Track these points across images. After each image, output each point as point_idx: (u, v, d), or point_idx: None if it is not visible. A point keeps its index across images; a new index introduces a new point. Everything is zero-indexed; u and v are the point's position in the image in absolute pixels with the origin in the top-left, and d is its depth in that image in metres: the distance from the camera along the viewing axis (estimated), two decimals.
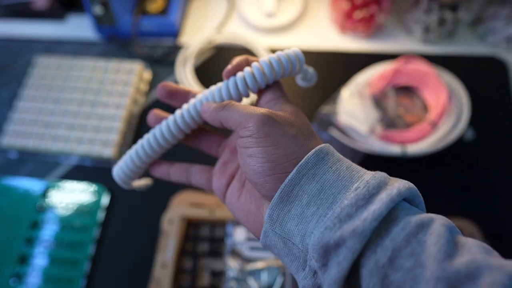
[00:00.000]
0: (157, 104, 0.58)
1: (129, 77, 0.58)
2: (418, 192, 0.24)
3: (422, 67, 0.54)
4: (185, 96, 0.30)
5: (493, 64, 0.57)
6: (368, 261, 0.21)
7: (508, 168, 0.51)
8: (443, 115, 0.51)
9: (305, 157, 0.24)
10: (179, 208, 0.49)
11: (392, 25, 0.63)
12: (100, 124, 0.55)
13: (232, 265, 0.45)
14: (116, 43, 0.64)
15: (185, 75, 0.58)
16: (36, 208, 0.52)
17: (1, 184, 0.54)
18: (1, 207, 0.52)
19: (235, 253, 0.47)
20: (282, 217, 0.24)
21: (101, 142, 0.53)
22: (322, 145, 0.25)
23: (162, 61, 0.61)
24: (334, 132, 0.52)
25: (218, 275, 0.46)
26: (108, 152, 0.53)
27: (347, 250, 0.21)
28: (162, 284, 0.45)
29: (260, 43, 0.61)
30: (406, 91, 0.56)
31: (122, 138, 0.55)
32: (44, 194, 0.53)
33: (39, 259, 0.49)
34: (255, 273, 0.45)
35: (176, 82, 0.59)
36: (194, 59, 0.60)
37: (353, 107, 0.54)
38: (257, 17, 0.63)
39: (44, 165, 0.56)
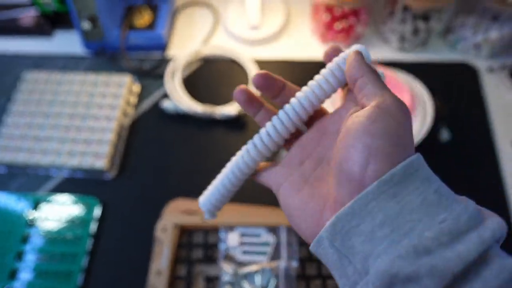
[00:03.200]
0: (147, 116, 0.60)
1: (118, 90, 0.59)
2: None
3: (385, 71, 0.57)
4: (279, 89, 0.27)
5: (464, 69, 0.61)
6: None
7: (481, 167, 0.54)
8: None
9: (390, 172, 0.20)
10: (172, 216, 0.50)
11: (370, 35, 0.66)
12: (91, 136, 0.55)
13: (226, 269, 0.46)
14: (104, 57, 0.65)
15: (174, 87, 0.60)
16: (26, 222, 0.52)
17: None
18: None
19: (229, 258, 0.48)
20: (347, 230, 0.21)
21: (92, 154, 0.54)
22: (413, 157, 0.21)
23: (150, 74, 0.63)
24: None
25: (212, 281, 0.47)
26: (100, 163, 0.53)
27: None
28: None
29: (246, 55, 0.63)
30: None
31: (114, 149, 0.56)
32: (35, 207, 0.53)
33: (30, 273, 0.49)
34: (249, 276, 0.46)
35: (165, 94, 0.61)
36: (182, 71, 0.61)
37: None
38: (242, 29, 0.65)
39: (34, 178, 0.56)
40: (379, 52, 0.64)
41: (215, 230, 0.50)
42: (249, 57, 0.63)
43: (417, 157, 0.21)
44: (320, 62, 0.66)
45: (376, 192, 0.20)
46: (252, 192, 0.53)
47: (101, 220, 0.52)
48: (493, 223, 0.19)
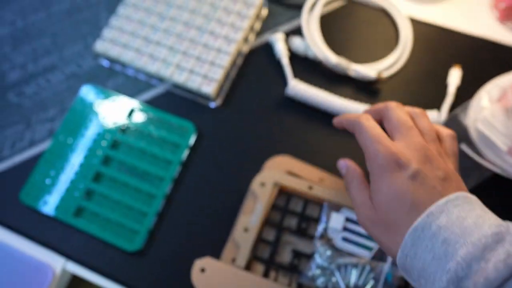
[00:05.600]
0: (267, 48, 0.51)
1: (246, 10, 0.50)
2: None
3: None
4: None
5: None
6: None
7: None
8: None
9: (402, 243, 0.26)
10: (274, 173, 0.43)
11: None
12: (205, 55, 0.48)
13: (322, 250, 0.40)
14: None
15: (309, 24, 0.50)
16: (119, 127, 0.48)
17: (92, 90, 0.50)
18: (86, 117, 0.48)
19: (325, 239, 0.41)
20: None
21: (202, 75, 0.47)
22: (416, 223, 0.25)
23: (283, 1, 0.53)
24: (462, 144, 0.44)
25: (300, 256, 0.41)
26: (208, 88, 0.47)
27: None
28: (241, 249, 0.40)
29: (399, 8, 0.51)
30: None
31: (225, 76, 0.49)
32: (129, 114, 0.48)
33: (112, 183, 0.46)
34: (345, 268, 0.40)
35: (293, 30, 0.51)
36: (321, 8, 0.51)
37: (493, 115, 0.45)
38: None
39: (134, 82, 0.51)
40: None
41: (317, 203, 0.43)
42: (403, 12, 0.51)
43: (421, 220, 0.25)
44: (489, 42, 0.52)
45: (403, 256, 0.26)
46: None
47: (193, 149, 0.47)
48: (490, 269, 0.22)
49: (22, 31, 0.55)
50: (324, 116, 0.47)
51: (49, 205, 0.45)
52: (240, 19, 0.49)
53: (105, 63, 0.52)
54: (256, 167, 0.45)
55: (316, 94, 0.46)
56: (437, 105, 0.47)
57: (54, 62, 0.53)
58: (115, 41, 0.50)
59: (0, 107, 0.51)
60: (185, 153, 0.46)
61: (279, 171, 0.43)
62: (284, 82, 0.49)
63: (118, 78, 0.51)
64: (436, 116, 0.45)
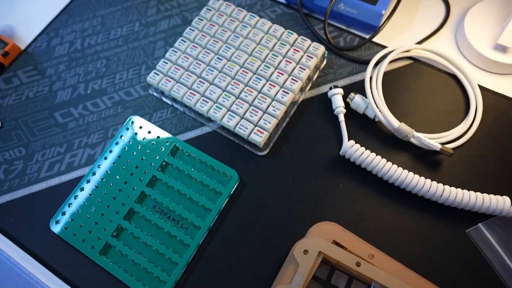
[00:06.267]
0: (321, 100, 0.48)
1: (307, 60, 0.48)
2: None
3: None
4: None
5: None
6: None
7: None
8: None
9: None
10: (320, 241, 0.39)
11: None
12: (260, 102, 0.46)
13: None
14: (293, 9, 0.54)
15: (372, 83, 0.47)
16: (159, 164, 0.45)
17: (138, 121, 0.48)
18: (128, 149, 0.47)
19: None
20: None
21: (254, 122, 0.45)
22: None
23: (344, 54, 0.51)
24: None
25: None
26: (258, 137, 0.44)
27: None
28: None
29: (472, 76, 0.48)
30: None
31: (275, 126, 0.46)
32: (172, 152, 0.46)
33: (145, 222, 0.43)
34: None
35: (352, 84, 0.49)
36: (386, 66, 0.48)
37: None
38: (480, 41, 0.49)
39: (181, 118, 0.49)
40: None
41: (364, 282, 0.39)
42: (476, 81, 0.47)
43: None
44: None
45: None
46: (429, 263, 0.40)
47: (233, 197, 0.44)
48: None
49: (80, 52, 0.55)
50: (379, 182, 0.44)
51: (77, 237, 0.42)
52: (301, 69, 0.47)
53: (155, 94, 0.51)
54: (299, 231, 0.42)
55: (373, 159, 0.43)
56: (508, 188, 0.42)
57: (105, 88, 0.52)
58: (169, 75, 0.49)
59: (45, 126, 0.50)
60: (223, 201, 0.43)
61: (325, 240, 0.39)
62: (338, 138, 0.46)
63: (165, 112, 0.50)
64: (506, 205, 0.40)
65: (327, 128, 0.47)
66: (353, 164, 0.45)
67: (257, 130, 0.44)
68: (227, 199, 0.44)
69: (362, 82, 0.49)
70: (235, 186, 0.44)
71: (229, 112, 0.46)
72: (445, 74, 0.49)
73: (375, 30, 0.51)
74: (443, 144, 0.45)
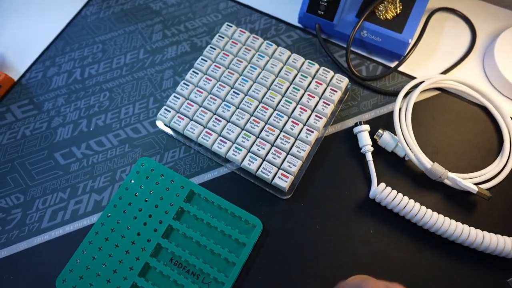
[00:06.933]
0: (346, 135, 0.45)
1: (331, 94, 0.45)
2: None
3: None
4: None
5: None
6: None
7: None
8: None
9: None
10: None
11: None
12: (283, 142, 0.43)
13: None
14: (310, 35, 0.51)
15: (400, 119, 0.44)
16: (175, 212, 0.42)
17: (149, 164, 0.44)
18: (139, 195, 0.43)
19: None
20: None
21: (277, 165, 0.42)
22: None
23: (366, 82, 0.47)
24: None
25: None
26: (282, 182, 0.41)
27: None
28: None
29: (505, 108, 0.45)
30: None
31: (299, 168, 0.43)
32: (188, 198, 0.43)
33: (160, 279, 0.39)
34: None
35: (383, 116, 0.46)
36: (414, 99, 0.45)
37: None
38: (509, 70, 0.46)
39: (196, 159, 0.45)
40: None
41: None
42: (509, 113, 0.45)
43: None
44: None
45: None
46: None
47: (256, 246, 0.41)
48: None
49: (80, 83, 0.50)
50: (412, 227, 0.41)
51: None
52: (325, 104, 0.44)
53: (166, 132, 0.47)
54: (328, 284, 0.39)
55: (406, 204, 0.40)
56: None
57: (109, 124, 0.48)
58: (181, 112, 0.45)
59: (45, 169, 0.46)
60: (246, 252, 0.40)
61: None
62: (366, 178, 0.43)
63: (178, 151, 0.46)
64: None
65: (353, 166, 0.44)
66: (384, 207, 0.42)
67: (281, 174, 0.41)
68: (250, 249, 0.40)
69: (388, 115, 0.46)
70: (256, 234, 0.41)
71: (250, 154, 0.42)
72: (475, 106, 0.46)
73: (400, 58, 0.48)
74: (477, 184, 0.42)
